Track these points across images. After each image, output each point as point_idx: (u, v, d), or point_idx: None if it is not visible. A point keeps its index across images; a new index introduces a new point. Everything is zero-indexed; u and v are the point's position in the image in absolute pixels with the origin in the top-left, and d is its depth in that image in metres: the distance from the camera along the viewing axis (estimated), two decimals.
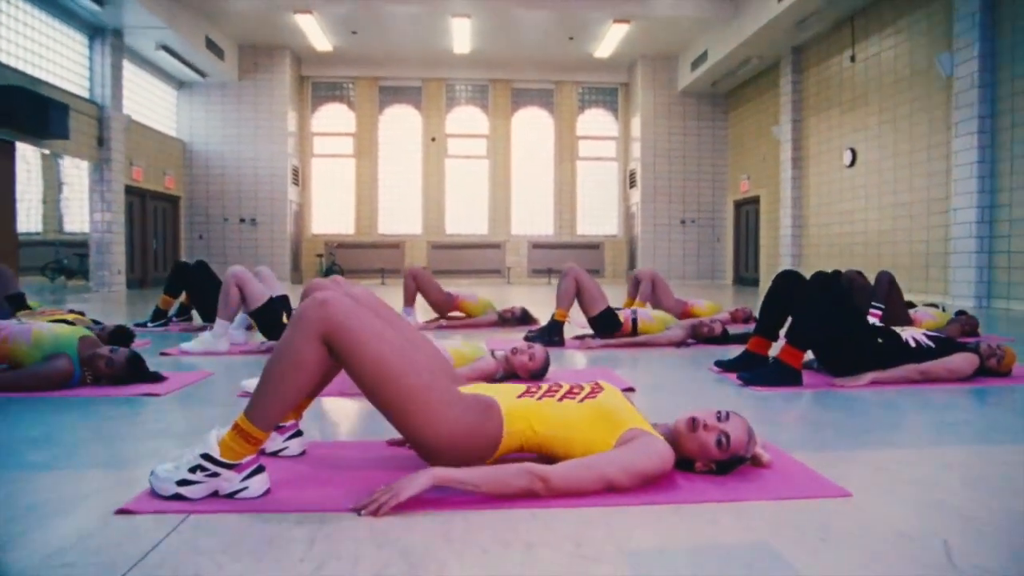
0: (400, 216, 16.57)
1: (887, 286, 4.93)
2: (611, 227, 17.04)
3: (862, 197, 10.66)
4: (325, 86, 16.30)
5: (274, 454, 1.92)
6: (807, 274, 3.31)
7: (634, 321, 4.66)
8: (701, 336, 4.61)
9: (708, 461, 1.74)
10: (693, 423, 1.74)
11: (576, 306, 4.81)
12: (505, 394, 1.79)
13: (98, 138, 11.14)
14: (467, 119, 16.69)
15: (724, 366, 3.49)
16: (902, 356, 3.14)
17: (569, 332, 4.95)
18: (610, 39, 13.76)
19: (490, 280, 16.20)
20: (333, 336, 1.59)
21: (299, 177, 15.83)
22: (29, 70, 9.60)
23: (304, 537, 1.40)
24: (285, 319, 4.28)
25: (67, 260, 12.78)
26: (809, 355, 3.35)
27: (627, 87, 16.53)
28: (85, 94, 11.05)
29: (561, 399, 1.77)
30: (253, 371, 3.15)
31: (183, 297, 5.74)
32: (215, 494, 1.59)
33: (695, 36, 13.86)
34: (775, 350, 3.30)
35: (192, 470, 1.57)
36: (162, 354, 4.10)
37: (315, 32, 13.39)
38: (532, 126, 16.81)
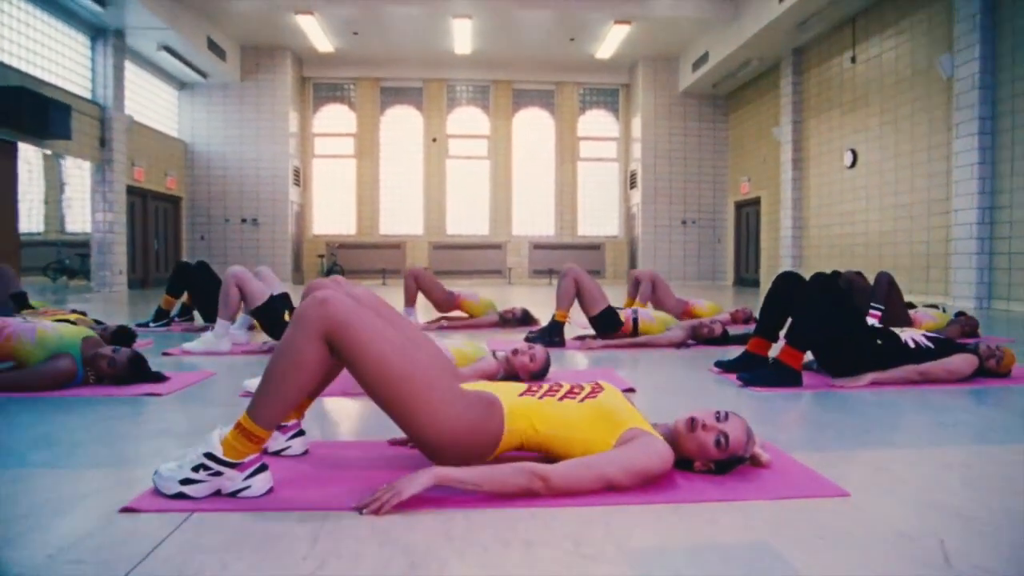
0: (401, 217, 16.59)
1: (886, 287, 4.94)
2: (612, 228, 17.05)
3: (863, 198, 10.66)
4: (326, 87, 16.32)
5: (276, 453, 1.94)
6: (808, 275, 3.32)
7: (635, 321, 4.68)
8: (701, 337, 4.62)
9: (707, 461, 1.75)
10: (692, 423, 1.76)
11: (577, 307, 4.82)
12: (507, 392, 1.80)
13: (100, 139, 11.17)
14: (468, 120, 16.71)
15: (724, 367, 3.50)
16: (901, 357, 3.15)
17: (570, 333, 4.96)
18: (611, 40, 13.77)
19: (491, 281, 16.21)
20: (334, 335, 1.60)
21: (300, 178, 15.86)
22: (31, 71, 9.63)
23: (307, 535, 1.41)
24: (287, 317, 4.29)
25: (69, 260, 12.80)
26: (809, 356, 3.36)
27: (628, 88, 16.54)
28: (87, 95, 11.07)
29: (562, 399, 1.78)
30: (255, 371, 3.16)
31: (185, 297, 5.76)
32: (218, 493, 1.60)
33: (696, 37, 13.88)
34: (775, 351, 3.31)
35: (195, 469, 1.59)
36: (164, 354, 4.12)
37: (316, 33, 13.42)
38: (533, 127, 16.83)
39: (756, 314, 4.63)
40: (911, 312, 5.09)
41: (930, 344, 3.20)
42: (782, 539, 1.40)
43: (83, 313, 4.66)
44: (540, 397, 1.78)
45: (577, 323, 5.03)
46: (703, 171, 15.79)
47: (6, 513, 1.53)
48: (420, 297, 5.97)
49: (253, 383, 2.69)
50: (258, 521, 1.49)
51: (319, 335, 1.60)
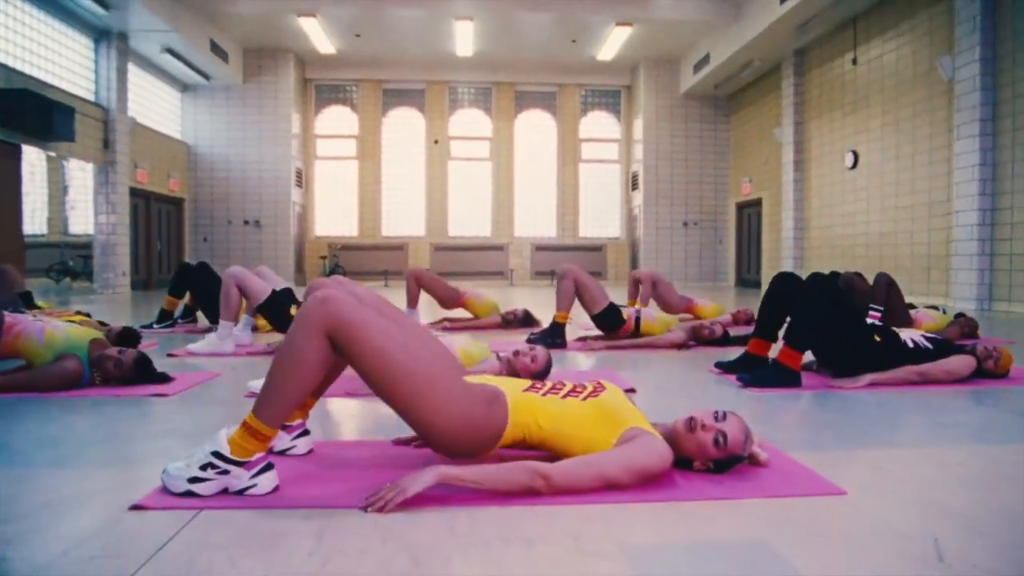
0: (403, 218, 16.62)
1: (886, 288, 4.96)
2: (614, 229, 17.07)
3: (864, 199, 10.68)
4: (328, 89, 16.36)
5: (282, 453, 1.96)
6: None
7: (637, 319, 4.70)
8: (702, 338, 4.65)
9: (706, 460, 1.78)
10: (691, 423, 1.78)
11: (578, 308, 4.84)
12: (511, 386, 1.83)
13: (103, 140, 11.21)
14: (470, 121, 16.74)
15: (724, 367, 3.52)
16: (900, 357, 3.17)
17: (572, 334, 4.99)
18: (612, 42, 13.80)
19: (493, 282, 16.23)
20: (336, 332, 1.63)
21: (303, 179, 15.89)
22: (35, 73, 9.67)
23: (312, 532, 1.44)
24: (294, 311, 4.32)
25: (72, 262, 12.84)
26: (809, 356, 3.38)
27: (630, 90, 16.56)
28: (91, 97, 11.12)
29: (565, 396, 1.81)
30: (259, 372, 3.19)
31: (187, 299, 5.79)
32: (225, 491, 1.63)
33: (697, 39, 13.90)
34: (774, 351, 3.33)
35: (203, 467, 1.62)
36: (169, 355, 4.15)
37: (319, 35, 13.45)
38: (535, 128, 16.85)
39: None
40: (912, 312, 5.11)
41: (928, 345, 3.23)
42: (780, 537, 1.43)
43: (87, 315, 4.69)
44: (543, 394, 1.81)
45: (578, 324, 5.05)
46: (704, 172, 15.81)
47: (18, 510, 1.57)
48: (423, 298, 6.00)
49: (258, 384, 2.71)
50: (265, 518, 1.52)
51: (321, 333, 1.63)
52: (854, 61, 10.82)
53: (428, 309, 6.73)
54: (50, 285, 11.94)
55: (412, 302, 5.89)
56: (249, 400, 2.73)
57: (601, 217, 17.05)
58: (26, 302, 4.89)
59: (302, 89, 15.80)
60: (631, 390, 3.06)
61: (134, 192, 12.28)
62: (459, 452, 1.74)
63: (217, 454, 1.62)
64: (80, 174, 11.43)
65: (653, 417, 1.94)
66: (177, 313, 5.78)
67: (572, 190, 16.85)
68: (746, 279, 15.05)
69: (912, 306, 5.31)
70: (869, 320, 4.11)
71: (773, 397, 2.95)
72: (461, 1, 12.16)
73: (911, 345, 3.21)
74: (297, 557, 1.32)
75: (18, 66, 9.31)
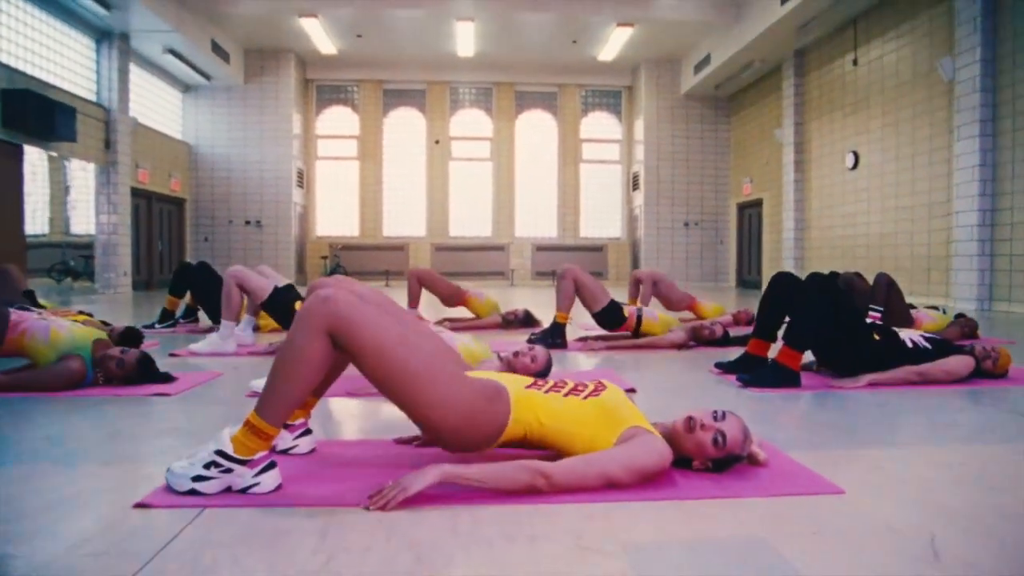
0: (404, 218, 16.64)
1: (885, 288, 4.97)
2: (614, 230, 17.08)
3: (864, 200, 10.69)
4: (330, 89, 16.38)
5: (285, 452, 1.98)
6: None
7: (638, 318, 4.71)
8: (702, 338, 4.66)
9: (705, 459, 1.79)
10: (690, 422, 1.79)
11: (579, 308, 4.85)
12: (514, 382, 1.84)
13: (105, 141, 11.23)
14: (471, 122, 16.76)
15: (724, 368, 3.54)
16: (899, 356, 3.18)
17: (572, 334, 5.00)
18: (613, 42, 13.81)
19: (493, 282, 16.24)
20: (337, 329, 1.65)
21: (304, 180, 15.91)
22: (37, 73, 9.69)
23: (315, 530, 1.45)
24: (298, 307, 4.31)
25: (73, 262, 12.86)
26: (809, 356, 3.40)
27: (630, 90, 16.58)
28: (92, 97, 11.14)
29: (566, 395, 1.82)
30: (261, 371, 3.20)
31: (188, 299, 5.81)
32: (229, 489, 1.64)
33: (698, 39, 13.91)
34: (774, 352, 3.34)
35: (207, 466, 1.63)
36: (171, 355, 4.16)
37: (320, 36, 13.47)
38: (536, 129, 16.87)
39: None
40: (912, 312, 5.11)
41: (927, 345, 3.24)
42: (777, 535, 1.44)
43: (89, 314, 4.71)
44: (546, 392, 1.82)
45: (579, 324, 5.06)
46: (705, 173, 15.82)
47: (22, 509, 1.58)
48: (424, 298, 6.01)
49: (260, 383, 2.73)
50: (268, 516, 1.53)
51: (322, 331, 1.65)
52: (854, 62, 10.83)
53: (429, 309, 6.75)
54: (51, 285, 11.96)
55: (413, 302, 5.91)
56: (251, 400, 2.75)
57: (602, 217, 17.06)
58: (30, 301, 4.90)
59: (303, 89, 15.82)
60: (631, 390, 3.07)
61: (135, 192, 12.30)
62: (461, 447, 1.76)
63: (221, 453, 1.63)
64: (82, 174, 11.45)
65: (653, 417, 1.95)
66: (179, 313, 5.80)
67: (573, 190, 16.86)
68: (747, 279, 15.06)
69: (912, 307, 5.32)
70: (868, 320, 4.12)
71: (772, 397, 2.96)
72: (462, 2, 12.18)
73: (910, 345, 3.22)
74: (301, 554, 1.33)
75: (20, 66, 9.33)
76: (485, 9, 12.36)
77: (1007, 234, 7.87)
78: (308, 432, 2.04)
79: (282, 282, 4.49)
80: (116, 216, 11.37)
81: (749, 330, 5.26)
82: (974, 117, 8.06)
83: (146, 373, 3.08)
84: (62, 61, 10.41)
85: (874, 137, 10.42)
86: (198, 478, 1.63)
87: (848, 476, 1.83)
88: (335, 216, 16.54)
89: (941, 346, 3.26)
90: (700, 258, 15.90)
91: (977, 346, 3.30)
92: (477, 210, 16.76)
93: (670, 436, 1.83)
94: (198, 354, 4.19)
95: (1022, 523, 1.54)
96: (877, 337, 3.21)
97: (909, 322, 4.92)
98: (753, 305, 8.29)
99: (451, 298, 6.03)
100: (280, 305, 4.33)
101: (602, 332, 4.96)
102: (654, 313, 4.84)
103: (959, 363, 3.15)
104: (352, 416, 2.70)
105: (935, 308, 5.46)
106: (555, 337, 4.68)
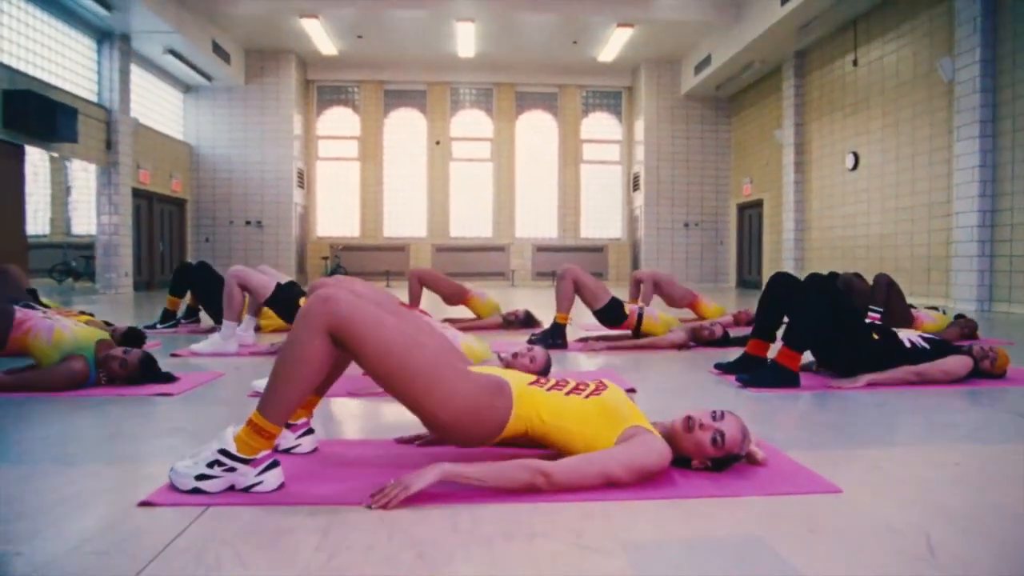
0: (405, 219, 16.65)
1: (885, 288, 4.98)
2: (615, 230, 17.10)
3: (864, 201, 10.70)
4: (330, 90, 16.40)
5: (287, 451, 1.99)
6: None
7: (640, 316, 4.72)
8: (702, 339, 4.67)
9: (704, 458, 1.81)
10: (689, 422, 1.81)
11: (579, 308, 4.86)
12: (517, 379, 1.86)
13: (106, 141, 11.24)
14: (471, 122, 16.77)
15: (723, 368, 3.55)
16: (898, 356, 3.19)
17: (573, 334, 5.01)
18: (614, 43, 13.82)
19: (494, 283, 16.25)
20: (338, 329, 1.67)
21: (304, 180, 15.93)
22: (39, 74, 9.71)
23: (318, 528, 1.46)
24: (303, 303, 4.31)
25: (74, 262, 12.88)
26: (809, 357, 3.41)
27: (631, 91, 16.59)
28: (93, 98, 11.15)
29: (568, 393, 1.84)
30: (262, 372, 3.21)
31: (189, 298, 5.82)
32: (232, 488, 1.66)
33: (698, 40, 13.92)
34: (773, 352, 3.35)
35: (210, 465, 1.65)
36: (173, 355, 4.18)
37: (320, 36, 13.49)
38: (536, 129, 16.88)
39: None
40: (912, 312, 5.12)
41: (926, 345, 3.25)
42: (775, 533, 1.46)
43: (91, 315, 4.72)
44: (548, 390, 1.84)
45: (579, 325, 5.07)
46: (705, 173, 15.83)
47: (27, 508, 1.59)
48: (426, 297, 6.03)
49: (261, 383, 2.74)
50: (271, 515, 1.54)
51: (322, 330, 1.67)
52: (855, 63, 10.84)
53: (430, 309, 6.75)
54: (52, 285, 11.99)
55: (414, 302, 5.93)
56: (253, 400, 2.76)
57: (602, 218, 17.07)
58: (33, 299, 4.91)
59: (304, 90, 15.84)
60: (631, 390, 3.09)
61: (136, 193, 12.32)
62: (464, 441, 1.78)
63: (224, 452, 1.65)
64: (83, 175, 11.47)
65: (653, 417, 1.96)
66: (180, 313, 5.81)
67: (573, 191, 16.88)
68: (747, 280, 15.07)
69: (912, 307, 5.33)
70: (867, 320, 4.13)
71: (771, 397, 2.98)
72: (462, 2, 12.19)
73: (908, 345, 3.24)
74: (304, 552, 1.35)
75: (22, 67, 9.35)
76: (485, 10, 12.38)
77: (1007, 235, 7.88)
78: (310, 431, 2.05)
79: (284, 279, 4.50)
80: (117, 217, 11.38)
81: (749, 331, 5.28)
82: (974, 118, 8.07)
83: (148, 373, 3.10)
84: (63, 62, 10.43)
85: (874, 138, 10.43)
86: (202, 477, 1.65)
87: (847, 476, 1.84)
88: (336, 217, 16.56)
89: (939, 346, 3.27)
90: (700, 259, 15.91)
91: (975, 346, 3.32)
92: (477, 211, 16.78)
93: (669, 436, 1.84)
94: (200, 354, 4.20)
95: (1020, 522, 1.55)
96: (876, 337, 3.23)
97: (910, 322, 4.93)
98: (753, 306, 8.30)
99: (453, 296, 6.04)
100: (284, 301, 4.33)
101: (602, 332, 4.98)
102: (655, 313, 4.85)
103: (957, 363, 3.17)
104: (354, 416, 2.72)
105: (935, 308, 5.47)
106: (555, 338, 4.70)
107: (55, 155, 10.36)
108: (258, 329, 5.07)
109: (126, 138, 11.52)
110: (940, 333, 4.72)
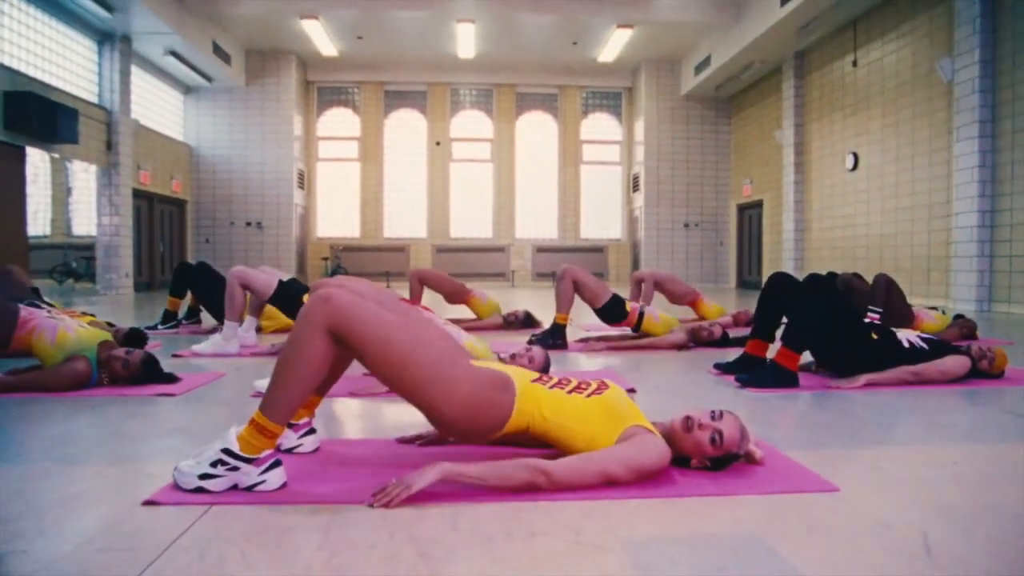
0: (405, 220, 16.67)
1: (885, 288, 4.98)
2: (615, 231, 17.11)
3: (864, 201, 10.72)
4: (331, 91, 16.41)
5: (289, 451, 2.01)
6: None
7: (641, 315, 4.73)
8: (701, 339, 4.68)
9: (703, 458, 1.82)
10: (688, 422, 1.82)
11: (579, 308, 4.87)
12: (520, 375, 1.87)
13: (107, 142, 11.26)
14: (472, 123, 16.79)
15: (723, 368, 3.56)
16: (897, 356, 3.20)
17: (573, 335, 5.02)
18: (614, 44, 13.84)
19: (494, 283, 16.26)
20: (339, 327, 1.68)
21: (305, 181, 15.95)
22: (39, 76, 9.72)
23: (320, 527, 1.48)
24: (307, 299, 4.29)
25: (75, 263, 12.91)
26: (808, 357, 3.42)
27: (631, 91, 16.61)
28: (94, 99, 11.17)
29: (570, 392, 1.85)
30: (264, 372, 3.23)
31: (191, 299, 5.84)
32: (235, 487, 1.67)
33: (698, 41, 13.94)
34: (772, 352, 3.36)
35: (213, 464, 1.66)
36: (174, 356, 4.19)
37: (321, 37, 13.51)
38: (536, 130, 16.89)
39: None
40: (914, 310, 5.12)
41: (924, 345, 3.26)
42: (773, 532, 1.47)
43: (92, 315, 4.73)
44: (550, 387, 1.85)
45: (580, 325, 5.08)
46: (705, 174, 15.84)
47: (30, 507, 1.61)
48: (427, 297, 6.04)
49: (263, 383, 2.75)
50: (273, 514, 1.56)
51: (324, 329, 1.68)
52: (854, 63, 10.86)
53: (432, 308, 6.76)
54: (53, 286, 12.01)
55: (415, 301, 5.93)
56: (254, 400, 2.77)
57: (602, 218, 17.09)
58: (37, 298, 4.93)
59: (304, 91, 15.86)
60: (632, 390, 3.10)
61: (137, 194, 12.33)
62: (466, 435, 1.79)
63: (227, 451, 1.66)
64: (83, 176, 11.50)
65: (653, 416, 1.98)
66: (181, 314, 5.82)
67: (573, 191, 16.89)
68: (747, 280, 15.09)
69: (912, 307, 5.34)
70: (866, 320, 4.14)
71: (770, 397, 2.99)
72: (462, 3, 12.21)
73: (907, 345, 3.25)
74: (307, 550, 1.36)
75: (22, 69, 9.36)
76: (486, 10, 12.39)
77: (1007, 235, 7.89)
78: (312, 431, 2.07)
79: (286, 277, 4.49)
80: (118, 217, 11.39)
81: (748, 331, 5.29)
82: (973, 118, 8.08)
83: (150, 374, 3.11)
84: (64, 63, 10.44)
85: (874, 138, 10.44)
86: (205, 476, 1.66)
87: (845, 475, 1.85)
88: (336, 217, 16.58)
89: (938, 346, 3.28)
90: (700, 259, 15.92)
91: (973, 346, 3.33)
92: (478, 211, 16.79)
93: (669, 435, 1.85)
94: (201, 355, 4.21)
95: (1019, 522, 1.56)
96: (875, 337, 3.24)
97: (910, 320, 4.94)
98: (753, 306, 8.31)
99: (454, 295, 6.06)
100: (288, 298, 4.30)
101: (603, 332, 4.99)
102: (656, 313, 4.86)
103: (955, 363, 3.18)
104: (355, 416, 2.73)
105: (934, 308, 5.48)
106: (555, 338, 4.71)
107: (56, 156, 10.37)
108: (259, 330, 5.08)
109: (127, 139, 11.54)
110: (940, 333, 4.73)
